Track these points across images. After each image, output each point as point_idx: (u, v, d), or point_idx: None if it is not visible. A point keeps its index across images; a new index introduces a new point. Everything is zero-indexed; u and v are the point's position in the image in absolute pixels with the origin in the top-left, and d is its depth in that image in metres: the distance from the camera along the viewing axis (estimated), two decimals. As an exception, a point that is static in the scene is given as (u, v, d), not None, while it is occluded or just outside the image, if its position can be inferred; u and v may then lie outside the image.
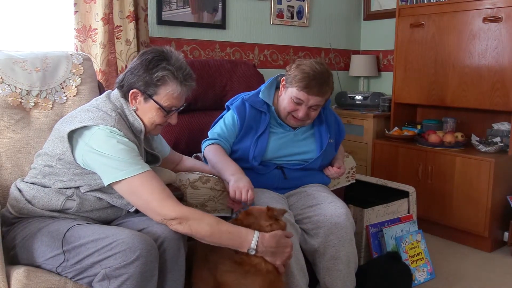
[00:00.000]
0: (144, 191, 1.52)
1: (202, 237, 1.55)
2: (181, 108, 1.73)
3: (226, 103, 2.25)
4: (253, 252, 1.57)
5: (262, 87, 2.21)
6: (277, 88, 2.23)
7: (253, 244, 1.57)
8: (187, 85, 1.69)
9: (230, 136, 2.14)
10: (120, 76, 1.71)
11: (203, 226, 1.54)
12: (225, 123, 2.16)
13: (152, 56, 1.64)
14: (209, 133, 2.19)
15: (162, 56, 1.65)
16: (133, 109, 1.68)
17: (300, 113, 2.06)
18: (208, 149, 2.09)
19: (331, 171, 2.23)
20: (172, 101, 1.67)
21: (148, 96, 1.65)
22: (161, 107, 1.66)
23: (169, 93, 1.65)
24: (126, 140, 1.57)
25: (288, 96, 2.08)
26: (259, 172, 2.11)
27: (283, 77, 2.14)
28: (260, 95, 2.18)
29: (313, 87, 2.01)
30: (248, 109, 2.14)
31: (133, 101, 1.67)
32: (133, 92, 1.65)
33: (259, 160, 2.10)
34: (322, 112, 2.21)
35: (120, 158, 1.52)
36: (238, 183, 1.86)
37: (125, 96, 1.69)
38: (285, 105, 2.09)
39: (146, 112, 1.68)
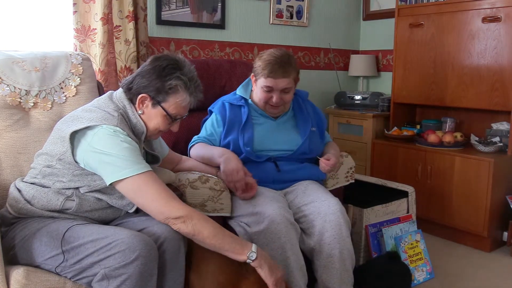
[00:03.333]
0: (149, 190, 1.52)
1: (204, 238, 1.53)
2: (185, 117, 1.76)
3: (209, 108, 2.37)
4: (254, 257, 1.55)
5: (239, 86, 2.35)
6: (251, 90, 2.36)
7: (254, 248, 1.57)
8: (196, 97, 1.71)
9: (210, 134, 2.26)
10: (129, 78, 1.70)
11: (207, 226, 1.53)
12: (207, 126, 2.30)
13: (166, 63, 1.65)
14: (194, 138, 2.30)
15: (176, 65, 1.65)
16: (139, 113, 1.68)
17: (274, 99, 2.17)
18: (193, 149, 2.23)
19: (322, 165, 2.26)
20: (179, 110, 1.69)
21: (157, 103, 1.66)
22: (168, 114, 1.68)
23: (178, 102, 1.67)
24: (130, 139, 1.57)
25: (259, 87, 2.20)
26: (253, 160, 2.16)
27: (252, 74, 2.25)
28: (237, 92, 2.33)
29: (277, 71, 2.12)
30: (228, 108, 2.26)
31: (140, 105, 1.67)
32: (142, 97, 1.65)
33: (250, 146, 2.18)
34: (302, 104, 2.36)
35: (124, 156, 1.51)
36: (227, 166, 2.01)
37: (131, 99, 1.69)
38: (260, 97, 2.21)
39: (151, 118, 1.69)
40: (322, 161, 2.24)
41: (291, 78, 2.16)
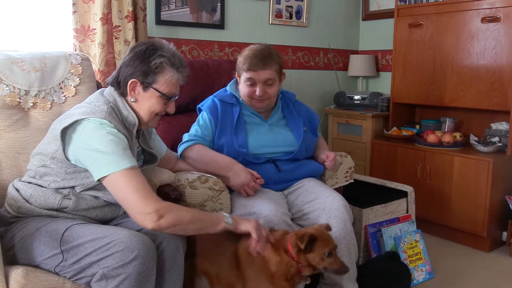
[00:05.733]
0: (127, 188, 1.49)
1: (187, 224, 1.53)
2: (177, 96, 1.76)
3: (198, 106, 2.35)
4: (230, 221, 1.63)
5: (229, 83, 2.34)
6: None
7: (225, 213, 1.66)
8: (182, 72, 1.72)
9: (205, 135, 2.21)
10: (113, 74, 1.72)
11: (185, 213, 1.55)
12: (199, 124, 2.25)
13: (145, 47, 1.67)
14: (184, 135, 2.24)
15: (155, 46, 1.68)
16: (132, 101, 1.68)
17: (258, 91, 2.16)
18: (190, 150, 2.16)
19: (326, 163, 2.30)
20: (171, 88, 1.70)
21: (148, 85, 1.67)
22: (162, 94, 1.68)
23: (167, 79, 1.68)
24: (116, 131, 1.56)
25: (242, 82, 2.21)
26: (252, 162, 2.15)
27: (236, 73, 2.27)
28: (228, 88, 2.32)
29: (257, 63, 2.14)
30: (219, 105, 2.25)
31: (132, 92, 1.68)
32: (132, 82, 1.66)
33: (245, 147, 2.16)
34: (290, 104, 2.35)
35: (107, 151, 1.50)
36: (237, 181, 2.04)
37: (122, 93, 1.69)
38: (244, 92, 2.21)
39: (146, 101, 1.69)
40: (325, 160, 2.29)
41: (272, 70, 2.16)
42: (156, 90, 1.67)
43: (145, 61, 1.65)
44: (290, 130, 2.29)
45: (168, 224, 1.49)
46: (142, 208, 1.48)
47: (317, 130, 2.45)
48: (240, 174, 2.06)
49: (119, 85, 1.69)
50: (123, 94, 1.70)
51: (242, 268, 1.69)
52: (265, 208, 1.93)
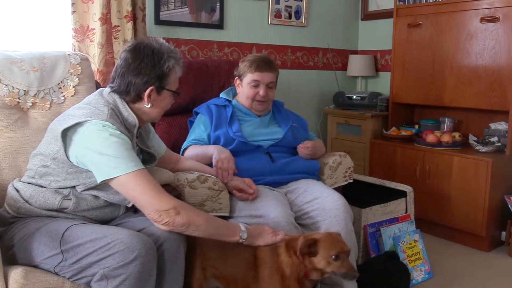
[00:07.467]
0: (138, 187, 1.50)
1: (199, 225, 1.54)
2: None
3: (194, 109, 2.49)
4: (245, 236, 1.63)
5: (221, 93, 2.53)
6: (234, 96, 2.50)
7: (242, 227, 1.65)
8: (181, 64, 1.75)
9: (200, 135, 2.33)
10: (120, 85, 1.66)
11: (200, 214, 1.57)
12: (195, 129, 2.39)
13: (149, 50, 1.66)
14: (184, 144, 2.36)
15: (155, 47, 1.68)
16: (148, 107, 1.68)
17: (261, 92, 2.34)
18: (186, 151, 2.29)
19: (300, 149, 2.37)
20: (177, 83, 1.75)
21: (162, 89, 1.68)
22: (174, 92, 1.73)
23: (175, 77, 1.73)
24: (119, 132, 1.56)
25: (246, 84, 2.36)
26: (246, 147, 2.23)
27: (235, 78, 2.43)
28: (220, 95, 2.50)
29: (263, 66, 2.34)
30: (213, 108, 2.40)
31: (149, 99, 1.67)
32: (149, 91, 1.66)
33: (239, 133, 2.26)
34: (281, 109, 2.53)
35: (113, 153, 1.50)
36: (220, 155, 2.12)
37: (133, 100, 1.68)
38: (246, 94, 2.37)
39: (160, 103, 1.71)
40: (300, 146, 2.36)
41: (274, 74, 2.38)
42: (169, 90, 1.70)
43: (156, 66, 1.65)
44: (279, 126, 2.44)
45: (182, 222, 1.51)
46: (157, 205, 1.50)
47: (309, 131, 2.57)
48: (224, 151, 2.15)
49: (129, 95, 1.67)
50: (133, 101, 1.68)
51: (259, 268, 1.69)
52: (272, 210, 1.94)
